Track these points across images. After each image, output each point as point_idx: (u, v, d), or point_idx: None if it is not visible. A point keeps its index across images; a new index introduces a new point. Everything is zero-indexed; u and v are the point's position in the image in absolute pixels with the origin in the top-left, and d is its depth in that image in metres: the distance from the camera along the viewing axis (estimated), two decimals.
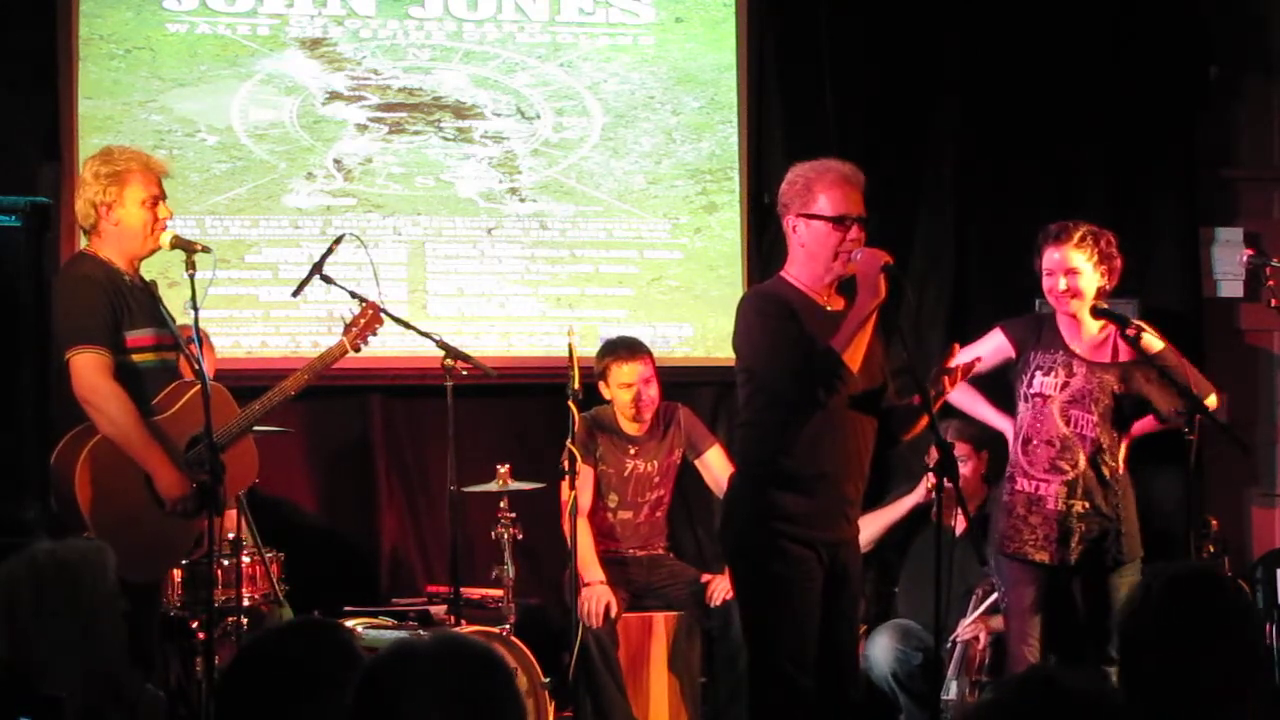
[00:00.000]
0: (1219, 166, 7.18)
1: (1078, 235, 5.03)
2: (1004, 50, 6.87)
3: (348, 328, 5.19)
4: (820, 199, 4.41)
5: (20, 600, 3.27)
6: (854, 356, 4.33)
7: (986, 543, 5.17)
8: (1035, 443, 5.08)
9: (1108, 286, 5.07)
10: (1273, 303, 6.05)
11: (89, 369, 4.56)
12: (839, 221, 4.41)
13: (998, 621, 5.44)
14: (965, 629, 5.64)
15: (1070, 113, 6.90)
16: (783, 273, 4.56)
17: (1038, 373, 5.10)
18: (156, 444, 4.64)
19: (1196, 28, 7.07)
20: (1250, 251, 6.53)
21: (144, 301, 4.79)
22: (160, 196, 4.81)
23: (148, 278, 4.89)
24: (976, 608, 5.65)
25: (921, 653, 5.72)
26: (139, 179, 4.76)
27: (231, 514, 5.62)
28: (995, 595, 5.43)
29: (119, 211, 4.73)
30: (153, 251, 4.84)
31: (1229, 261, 7.01)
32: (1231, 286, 7.01)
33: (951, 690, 5.59)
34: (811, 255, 4.46)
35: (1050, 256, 5.05)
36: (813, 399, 4.33)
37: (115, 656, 3.35)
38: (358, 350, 5.21)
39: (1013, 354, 5.17)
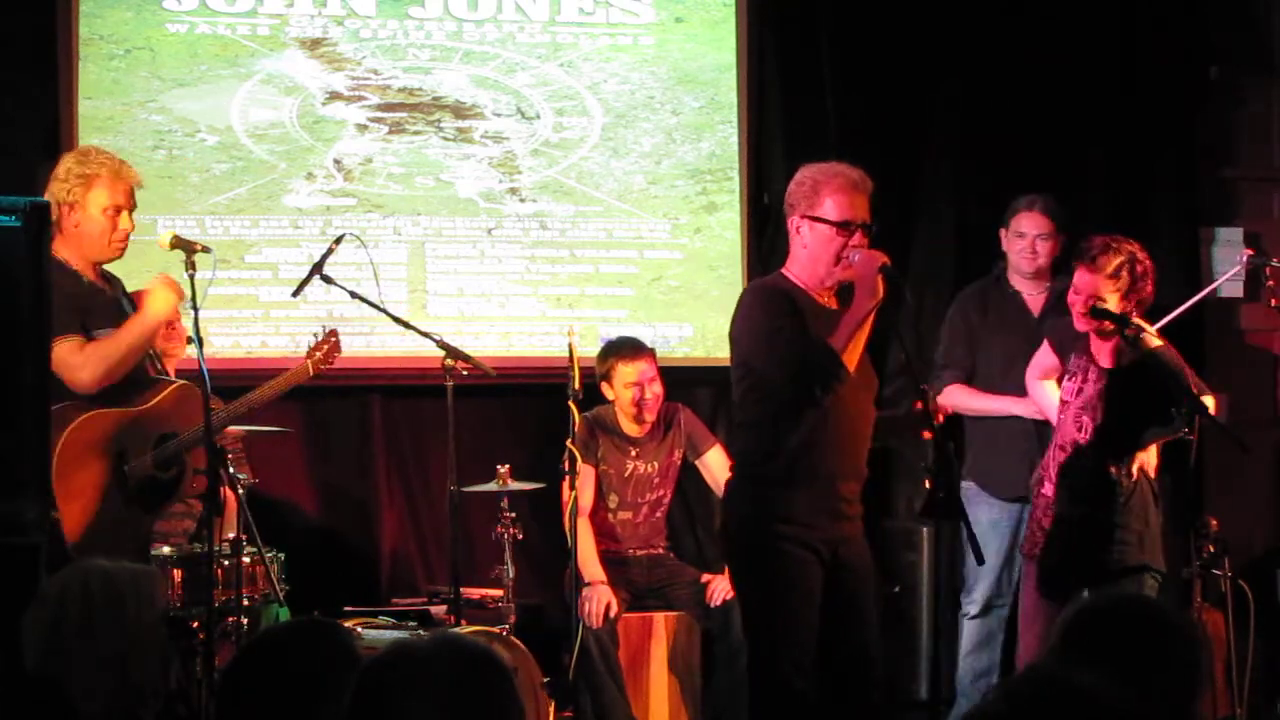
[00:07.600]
0: (1219, 166, 7.17)
1: (1112, 266, 4.85)
2: (1004, 50, 6.87)
3: (311, 351, 5.21)
4: (826, 203, 4.42)
5: (68, 615, 3.26)
6: (851, 356, 4.35)
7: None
8: (1055, 447, 5.08)
9: (1132, 311, 4.92)
10: (1273, 303, 6.06)
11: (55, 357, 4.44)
12: (843, 227, 4.42)
13: None
14: None
15: (1071, 113, 6.89)
16: (784, 270, 4.58)
17: (1065, 378, 5.09)
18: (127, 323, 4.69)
19: (1196, 28, 7.06)
20: (1250, 251, 6.52)
21: (104, 302, 4.74)
22: (125, 207, 4.71)
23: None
24: None
25: None
26: (105, 185, 4.68)
27: (232, 512, 5.62)
28: None
29: (79, 214, 4.67)
30: (110, 260, 4.77)
31: (1229, 261, 7.00)
32: (1231, 286, 6.99)
33: None
34: (814, 258, 4.47)
35: (1081, 277, 4.89)
36: (810, 398, 4.33)
37: (149, 684, 3.34)
38: (320, 375, 5.23)
39: (1060, 359, 5.15)
